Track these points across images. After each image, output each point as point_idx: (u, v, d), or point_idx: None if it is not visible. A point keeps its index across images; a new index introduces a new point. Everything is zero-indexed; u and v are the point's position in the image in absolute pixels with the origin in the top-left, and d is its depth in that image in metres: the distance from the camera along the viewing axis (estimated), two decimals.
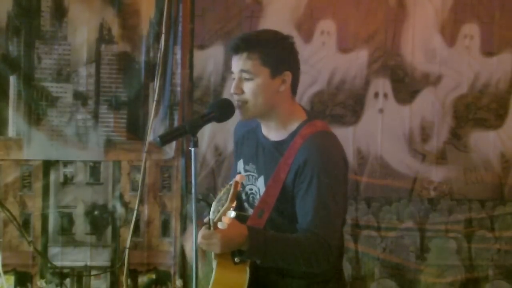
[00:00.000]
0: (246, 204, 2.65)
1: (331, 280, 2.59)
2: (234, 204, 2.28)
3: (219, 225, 2.28)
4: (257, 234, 2.36)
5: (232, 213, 2.26)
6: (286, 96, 2.53)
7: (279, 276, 2.54)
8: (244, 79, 2.46)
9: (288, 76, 2.50)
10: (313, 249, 2.37)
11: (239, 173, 2.64)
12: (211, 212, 2.34)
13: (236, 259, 2.39)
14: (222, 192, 2.34)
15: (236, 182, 2.28)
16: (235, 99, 2.50)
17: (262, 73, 2.46)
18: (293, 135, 2.50)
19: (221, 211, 2.28)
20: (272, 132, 2.56)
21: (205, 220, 2.38)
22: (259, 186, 2.56)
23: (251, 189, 2.61)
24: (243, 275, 2.42)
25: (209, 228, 2.33)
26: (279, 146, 2.51)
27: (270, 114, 2.52)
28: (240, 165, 2.66)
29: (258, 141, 2.60)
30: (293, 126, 2.52)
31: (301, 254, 2.37)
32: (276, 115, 2.52)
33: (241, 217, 2.41)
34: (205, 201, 2.42)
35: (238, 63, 2.47)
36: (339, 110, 4.35)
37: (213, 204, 2.35)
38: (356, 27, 4.32)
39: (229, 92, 2.56)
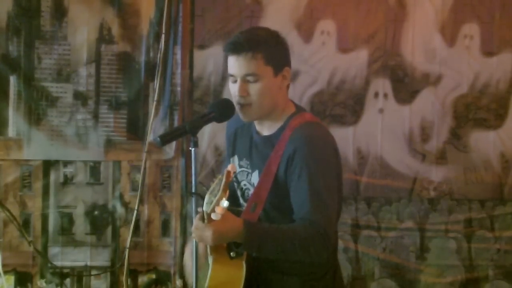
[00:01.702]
0: (241, 200, 2.66)
1: (326, 276, 2.58)
2: (227, 194, 2.27)
3: (213, 216, 2.27)
4: (252, 226, 2.36)
5: (225, 203, 2.25)
6: (284, 93, 2.55)
7: (276, 274, 2.54)
8: (249, 81, 2.46)
9: (287, 71, 2.53)
10: (310, 236, 2.36)
11: None
12: (204, 204, 2.32)
13: (232, 253, 2.39)
14: (215, 183, 2.32)
15: (228, 172, 2.27)
16: (238, 102, 2.49)
17: (266, 73, 2.46)
18: (282, 128, 2.51)
19: (214, 201, 2.27)
20: (265, 128, 2.58)
21: (199, 210, 2.37)
22: (254, 181, 2.57)
23: (245, 185, 2.62)
24: (240, 270, 2.42)
25: (203, 220, 2.32)
26: (270, 140, 2.53)
27: (270, 112, 2.53)
28: (235, 161, 2.67)
29: (251, 138, 2.62)
30: (283, 119, 2.54)
31: (298, 243, 2.36)
32: (274, 112, 2.54)
33: (234, 212, 2.41)
34: (199, 195, 2.41)
35: (241, 65, 2.45)
36: (339, 110, 4.35)
37: (206, 195, 2.34)
38: (356, 27, 4.32)
39: (229, 92, 2.56)
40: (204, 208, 2.32)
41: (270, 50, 2.46)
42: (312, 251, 2.38)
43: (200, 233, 2.33)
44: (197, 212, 2.40)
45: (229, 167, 2.29)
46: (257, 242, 2.34)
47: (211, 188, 2.33)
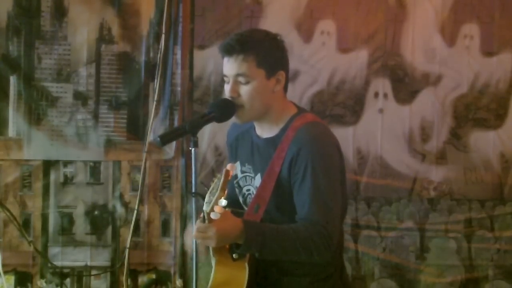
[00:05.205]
0: (244, 206, 2.65)
1: (333, 276, 2.58)
2: (225, 193, 2.26)
3: (212, 215, 2.27)
4: (252, 225, 2.35)
5: (224, 202, 2.25)
6: (279, 95, 2.54)
7: (281, 275, 2.53)
8: (240, 82, 2.46)
9: (282, 75, 2.51)
10: (311, 236, 2.35)
11: (236, 175, 2.64)
12: (204, 204, 2.32)
13: (234, 255, 2.38)
14: (214, 183, 2.32)
15: (227, 171, 2.27)
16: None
17: (257, 75, 2.46)
18: (284, 129, 2.51)
19: (213, 201, 2.27)
20: (265, 131, 2.57)
21: (200, 214, 2.37)
22: (256, 184, 2.56)
23: (248, 190, 2.62)
24: (243, 272, 2.42)
25: (203, 221, 2.32)
26: (272, 142, 2.52)
27: (264, 115, 2.53)
28: (238, 167, 2.66)
29: (252, 141, 2.61)
30: (284, 121, 2.53)
31: (299, 243, 2.35)
32: (270, 114, 2.53)
33: (237, 214, 2.41)
34: (200, 195, 2.41)
35: (233, 66, 2.46)
36: (339, 110, 4.35)
37: (206, 195, 2.34)
38: (356, 27, 4.32)
39: None
40: (204, 208, 2.32)
41: (263, 52, 2.45)
42: (314, 252, 2.37)
43: (203, 234, 2.32)
44: (197, 212, 2.40)
45: (228, 166, 2.29)
46: (258, 242, 2.33)
47: (210, 188, 2.34)
